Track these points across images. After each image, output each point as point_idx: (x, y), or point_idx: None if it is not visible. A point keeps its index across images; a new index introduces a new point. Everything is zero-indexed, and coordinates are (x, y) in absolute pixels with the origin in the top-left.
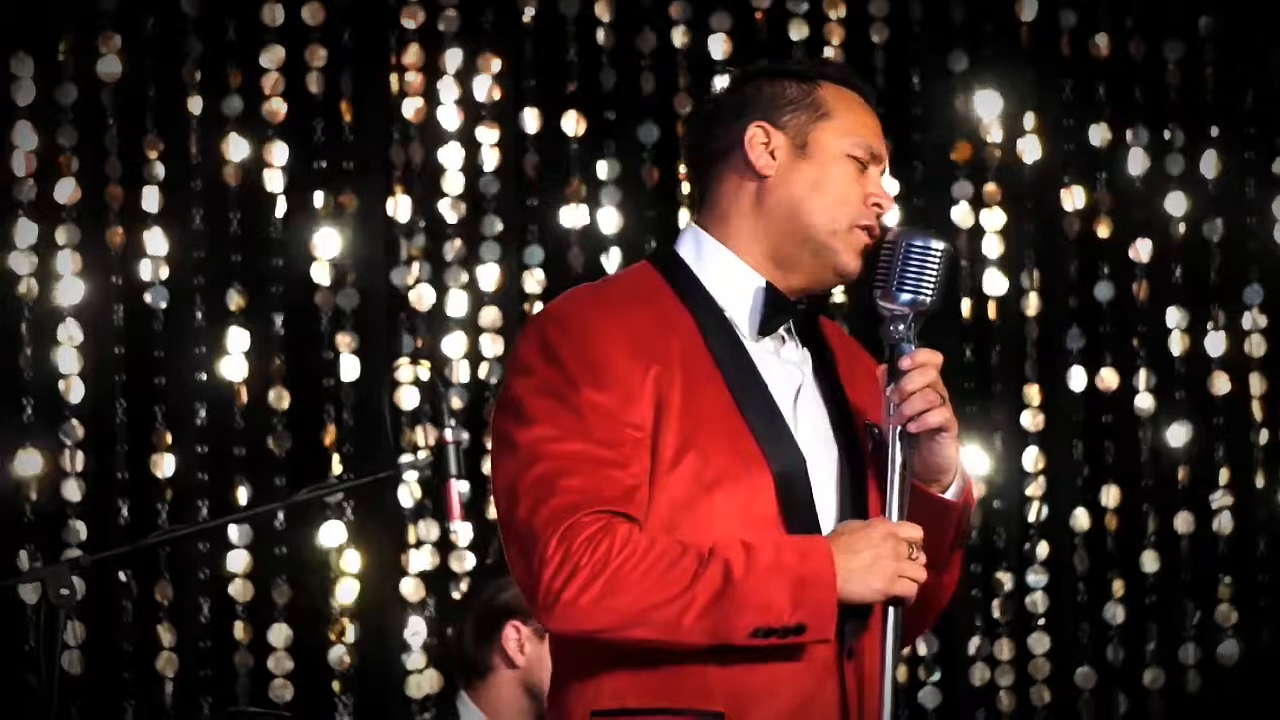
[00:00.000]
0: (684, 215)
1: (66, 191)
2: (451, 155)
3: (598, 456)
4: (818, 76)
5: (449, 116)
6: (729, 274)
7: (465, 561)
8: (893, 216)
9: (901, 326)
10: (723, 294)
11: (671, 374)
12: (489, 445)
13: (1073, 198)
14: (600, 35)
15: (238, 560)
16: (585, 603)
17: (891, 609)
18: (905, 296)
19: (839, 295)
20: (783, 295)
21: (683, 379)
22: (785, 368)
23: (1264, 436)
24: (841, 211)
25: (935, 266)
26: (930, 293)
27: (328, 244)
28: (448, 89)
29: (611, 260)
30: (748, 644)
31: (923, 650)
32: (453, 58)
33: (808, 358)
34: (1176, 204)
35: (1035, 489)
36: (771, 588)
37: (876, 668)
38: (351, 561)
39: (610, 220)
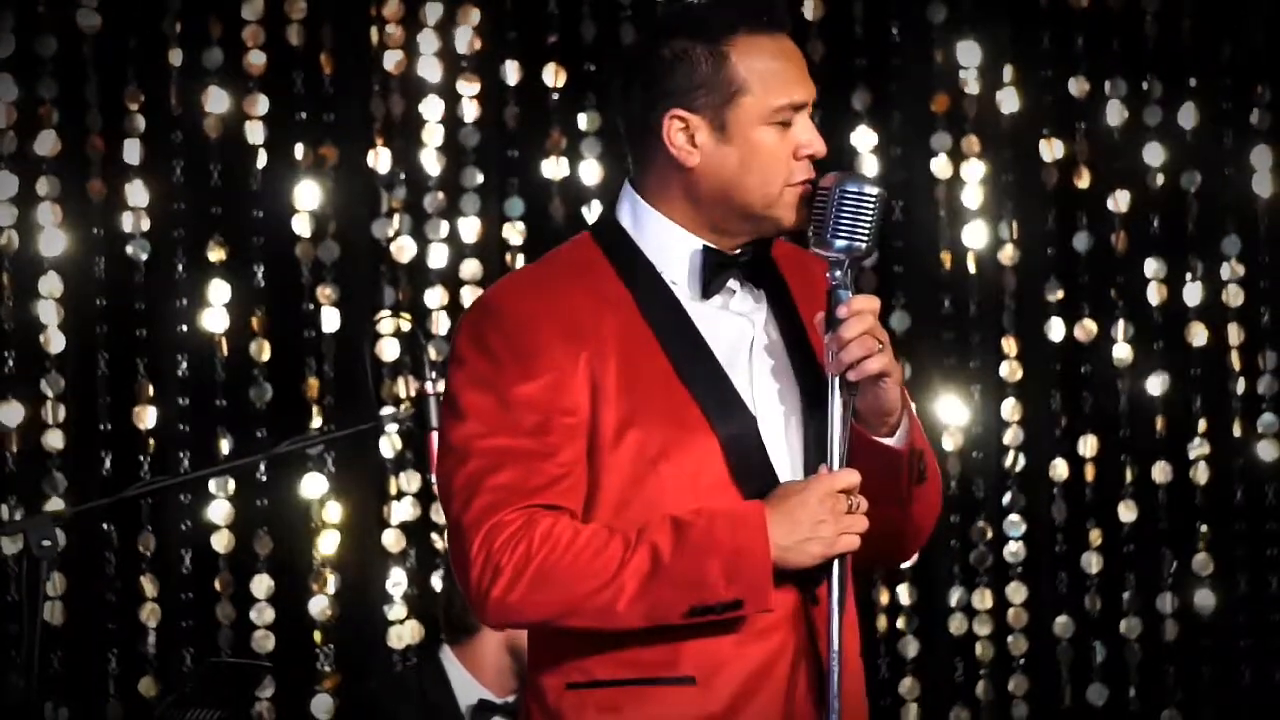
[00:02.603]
0: None
1: (47, 143)
2: (432, 107)
3: (524, 449)
4: (725, 30)
5: (429, 69)
6: (666, 240)
7: None
8: (870, 166)
9: (839, 273)
10: (662, 260)
11: (606, 354)
12: None
13: (1051, 149)
14: None
15: (219, 511)
16: (514, 600)
17: (836, 561)
18: (840, 243)
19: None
20: (722, 253)
21: (618, 357)
22: (735, 322)
23: (1241, 386)
24: (773, 181)
25: (870, 212)
26: (866, 238)
27: (308, 196)
28: (428, 41)
29: (592, 212)
30: (686, 623)
31: (902, 600)
32: (433, 10)
33: (762, 302)
34: (1154, 155)
35: (1013, 439)
36: (703, 565)
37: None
38: (333, 513)
39: (591, 172)
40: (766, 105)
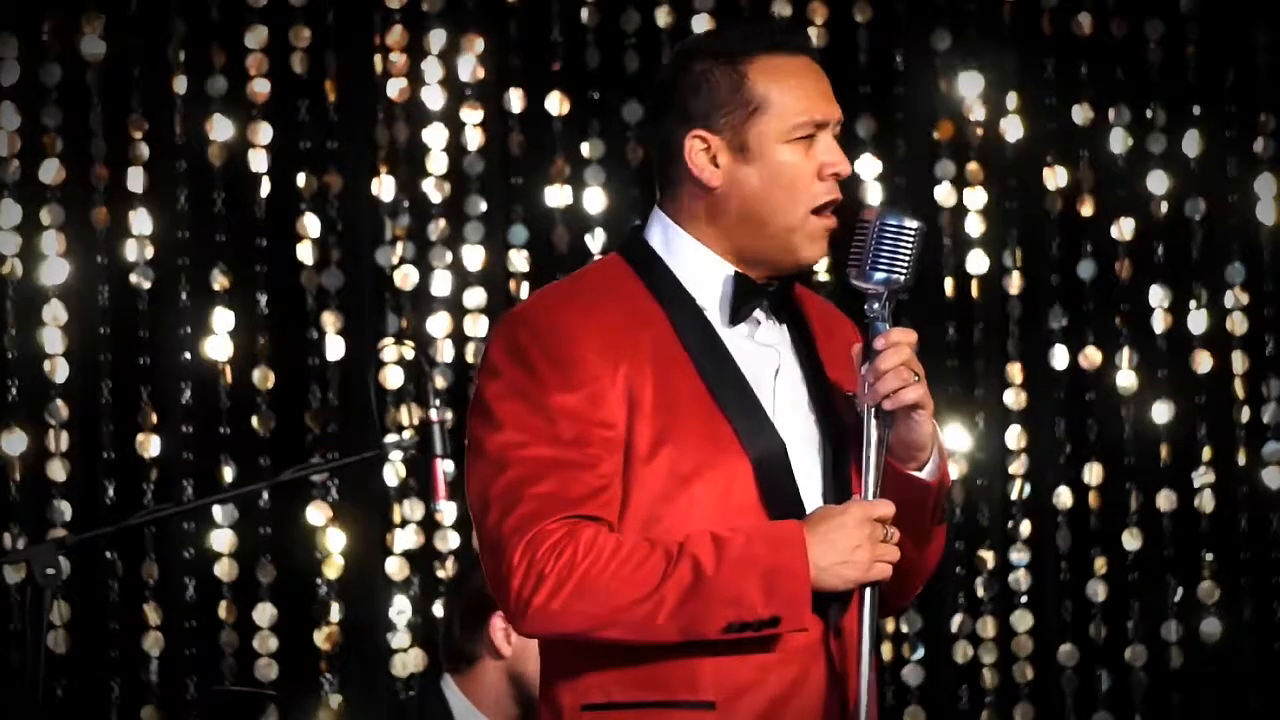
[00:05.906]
0: None
1: (51, 172)
2: (436, 135)
3: (566, 459)
4: (746, 52)
5: (433, 96)
6: (697, 264)
7: (450, 541)
8: (874, 194)
9: (876, 305)
10: (693, 283)
11: (642, 369)
12: None
13: (1055, 176)
14: (584, 14)
15: (223, 539)
16: (555, 608)
17: (868, 589)
18: (879, 275)
19: (824, 275)
20: (752, 281)
21: (654, 373)
22: (761, 351)
23: (1245, 414)
24: (796, 201)
25: (909, 246)
26: (904, 271)
27: (312, 224)
28: (432, 69)
29: (596, 240)
30: (722, 638)
31: (906, 628)
32: (437, 37)
33: (786, 336)
34: (1158, 182)
35: (1018, 467)
36: (743, 581)
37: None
38: (336, 541)
39: (595, 200)
40: (786, 122)
